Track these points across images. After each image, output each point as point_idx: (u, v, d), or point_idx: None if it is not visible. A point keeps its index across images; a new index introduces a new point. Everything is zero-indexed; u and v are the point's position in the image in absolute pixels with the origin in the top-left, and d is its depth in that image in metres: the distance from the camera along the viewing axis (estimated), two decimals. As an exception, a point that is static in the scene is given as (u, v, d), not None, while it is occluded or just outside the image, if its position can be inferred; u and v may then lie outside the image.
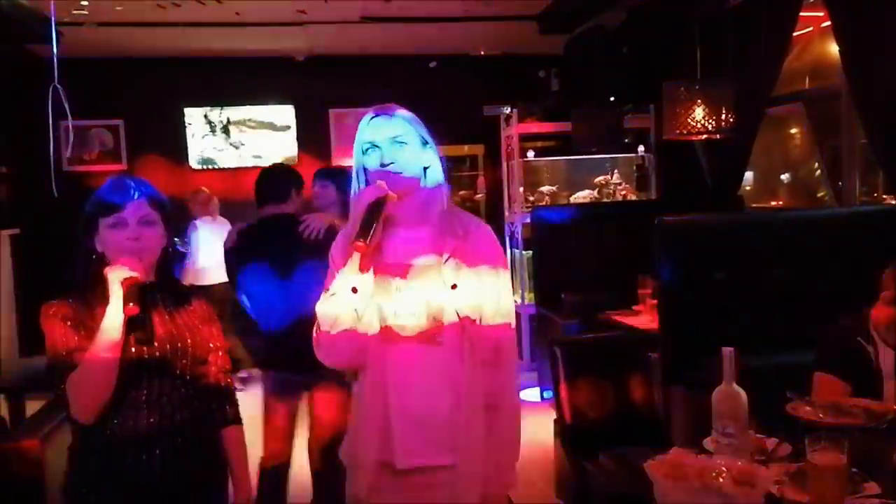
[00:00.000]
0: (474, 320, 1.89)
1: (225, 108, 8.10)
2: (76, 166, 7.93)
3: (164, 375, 1.92)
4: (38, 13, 6.33)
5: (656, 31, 6.27)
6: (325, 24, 6.79)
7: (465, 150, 9.98)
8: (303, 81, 7.99)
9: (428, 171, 1.97)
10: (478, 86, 8.13)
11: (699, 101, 4.56)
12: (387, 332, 1.89)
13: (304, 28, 6.90)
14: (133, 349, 1.87)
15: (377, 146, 1.91)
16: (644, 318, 4.45)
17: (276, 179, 3.82)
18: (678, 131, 4.61)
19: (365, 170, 1.94)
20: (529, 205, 6.86)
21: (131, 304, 1.81)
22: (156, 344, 1.91)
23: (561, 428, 3.33)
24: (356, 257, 1.85)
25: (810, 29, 5.58)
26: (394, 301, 1.89)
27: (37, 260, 6.83)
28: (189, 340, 1.97)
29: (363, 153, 1.94)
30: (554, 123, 6.96)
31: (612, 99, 6.82)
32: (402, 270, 1.91)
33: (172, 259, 2.04)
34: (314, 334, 1.92)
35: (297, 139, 8.18)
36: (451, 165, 10.10)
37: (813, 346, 2.75)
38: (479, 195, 9.50)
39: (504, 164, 7.41)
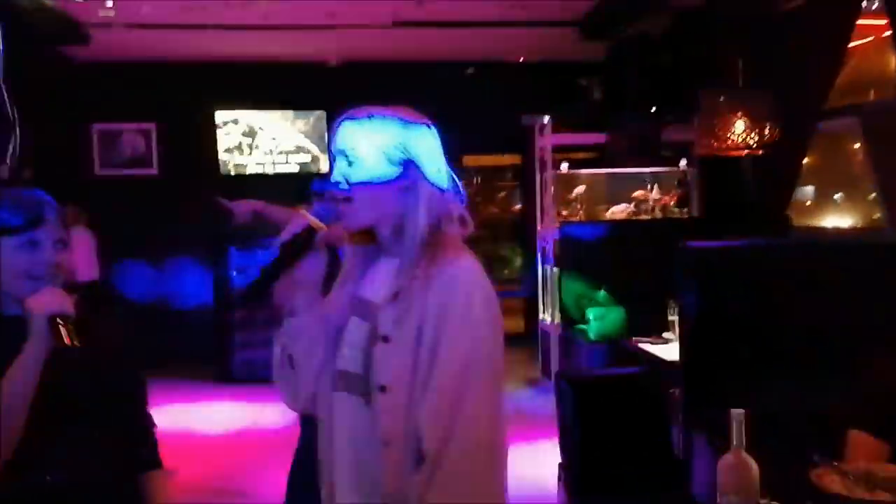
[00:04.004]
0: (398, 391, 1.46)
1: (257, 112, 7.97)
2: (108, 170, 7.91)
3: (65, 422, 1.68)
4: (67, 16, 6.28)
5: (702, 39, 5.92)
6: (356, 27, 6.61)
7: (505, 159, 9.75)
8: (335, 87, 7.78)
9: (407, 193, 1.52)
10: (517, 94, 7.86)
11: (740, 113, 4.22)
12: (333, 378, 1.58)
13: (335, 32, 6.73)
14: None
15: (335, 157, 1.58)
16: (672, 347, 4.13)
17: None
18: (716, 145, 4.28)
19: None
20: (563, 219, 6.55)
21: (68, 342, 1.58)
22: (54, 386, 1.67)
23: (566, 473, 3.04)
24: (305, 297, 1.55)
25: (871, 38, 5.20)
26: (343, 341, 1.57)
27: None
28: (95, 379, 1.73)
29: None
30: (592, 134, 6.66)
31: (653, 109, 6.49)
32: (355, 305, 1.58)
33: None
34: None
35: (329, 146, 8.02)
36: (482, 176, 9.77)
37: (850, 393, 2.43)
38: (516, 207, 9.25)
39: (537, 176, 7.11)
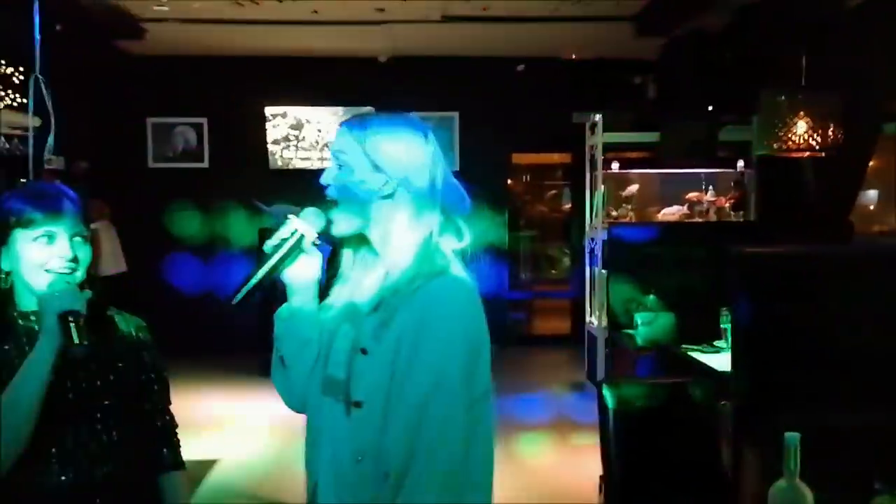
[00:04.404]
0: (372, 408, 1.40)
1: (306, 108, 7.97)
2: (160, 163, 8.00)
3: (79, 421, 1.63)
4: (123, 10, 6.35)
5: (761, 36, 5.71)
6: (404, 23, 6.55)
7: (555, 158, 9.60)
8: (384, 83, 7.76)
9: (393, 202, 1.47)
10: (568, 91, 7.72)
11: (801, 113, 4.04)
12: (323, 381, 1.53)
13: (384, 28, 6.69)
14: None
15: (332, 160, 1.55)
16: (724, 357, 3.98)
17: None
18: (775, 146, 4.10)
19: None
20: (613, 219, 6.40)
21: (77, 341, 1.55)
22: (68, 383, 1.63)
23: (607, 486, 2.92)
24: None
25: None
26: (335, 346, 1.53)
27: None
28: (112, 376, 1.68)
29: None
30: (645, 133, 6.48)
31: (710, 109, 6.29)
32: (347, 311, 1.54)
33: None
34: None
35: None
36: (531, 174, 9.58)
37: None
38: (566, 206, 9.09)
39: (587, 175, 6.95)
